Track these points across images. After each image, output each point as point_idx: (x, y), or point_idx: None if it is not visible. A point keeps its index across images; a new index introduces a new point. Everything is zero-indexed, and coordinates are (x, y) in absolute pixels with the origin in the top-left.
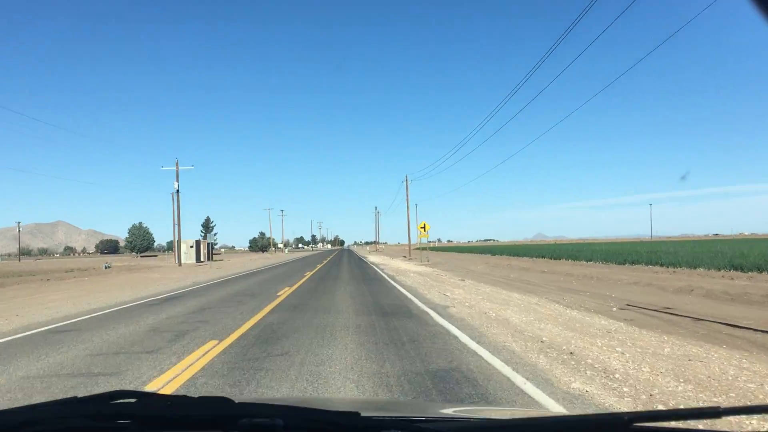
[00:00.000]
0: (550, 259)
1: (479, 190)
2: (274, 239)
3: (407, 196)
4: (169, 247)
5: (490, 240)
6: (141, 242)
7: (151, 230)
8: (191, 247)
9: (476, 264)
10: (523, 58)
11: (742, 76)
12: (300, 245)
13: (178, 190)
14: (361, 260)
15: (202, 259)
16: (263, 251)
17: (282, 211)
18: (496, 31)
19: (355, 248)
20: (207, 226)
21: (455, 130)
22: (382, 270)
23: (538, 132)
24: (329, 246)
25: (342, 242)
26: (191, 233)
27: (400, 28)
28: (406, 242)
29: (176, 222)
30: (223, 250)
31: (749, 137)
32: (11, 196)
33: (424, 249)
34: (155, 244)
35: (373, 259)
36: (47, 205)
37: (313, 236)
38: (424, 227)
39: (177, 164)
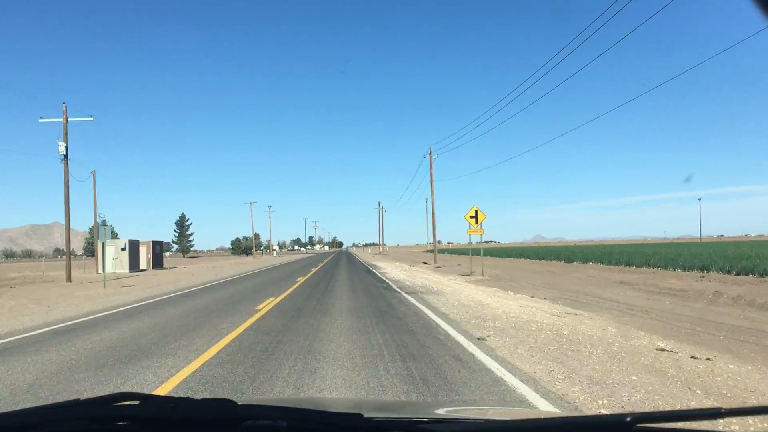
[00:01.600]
0: (651, 267)
1: (477, 191)
2: (266, 241)
3: (431, 175)
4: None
5: (491, 242)
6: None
7: (116, 229)
8: (123, 249)
9: (591, 282)
10: (525, 59)
11: (745, 75)
12: (296, 247)
13: (66, 155)
14: (369, 272)
15: (143, 266)
16: (247, 254)
17: (269, 207)
18: (497, 34)
19: (354, 251)
20: (182, 225)
21: (453, 129)
22: (485, 343)
23: (539, 132)
24: (326, 248)
25: (340, 244)
26: (167, 233)
27: (398, 30)
28: (409, 245)
29: (66, 207)
30: (213, 251)
31: (753, 137)
32: (9, 196)
33: (434, 252)
34: None
35: (387, 269)
36: (43, 206)
37: (310, 238)
38: (475, 217)
39: (65, 112)
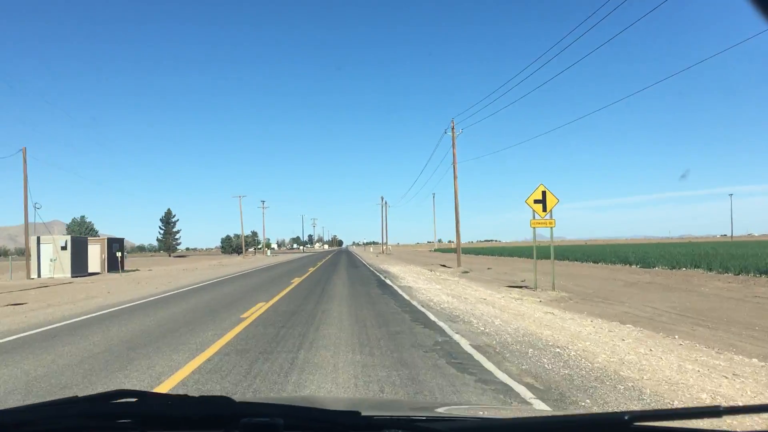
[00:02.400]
0: None
1: (478, 191)
2: (265, 238)
3: (454, 154)
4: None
5: (492, 240)
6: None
7: (96, 226)
8: (63, 248)
9: None
10: (526, 47)
11: (747, 75)
12: (295, 245)
13: None
14: (383, 285)
15: (95, 269)
16: (239, 253)
17: (263, 202)
18: (492, 33)
19: (355, 249)
20: (168, 222)
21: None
22: None
23: (539, 124)
24: (326, 246)
25: (340, 242)
26: (147, 232)
27: (398, 30)
28: (409, 243)
29: None
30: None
31: (756, 136)
32: (7, 194)
33: (458, 252)
34: None
35: (407, 278)
36: (43, 204)
37: (310, 236)
38: (542, 202)
39: None
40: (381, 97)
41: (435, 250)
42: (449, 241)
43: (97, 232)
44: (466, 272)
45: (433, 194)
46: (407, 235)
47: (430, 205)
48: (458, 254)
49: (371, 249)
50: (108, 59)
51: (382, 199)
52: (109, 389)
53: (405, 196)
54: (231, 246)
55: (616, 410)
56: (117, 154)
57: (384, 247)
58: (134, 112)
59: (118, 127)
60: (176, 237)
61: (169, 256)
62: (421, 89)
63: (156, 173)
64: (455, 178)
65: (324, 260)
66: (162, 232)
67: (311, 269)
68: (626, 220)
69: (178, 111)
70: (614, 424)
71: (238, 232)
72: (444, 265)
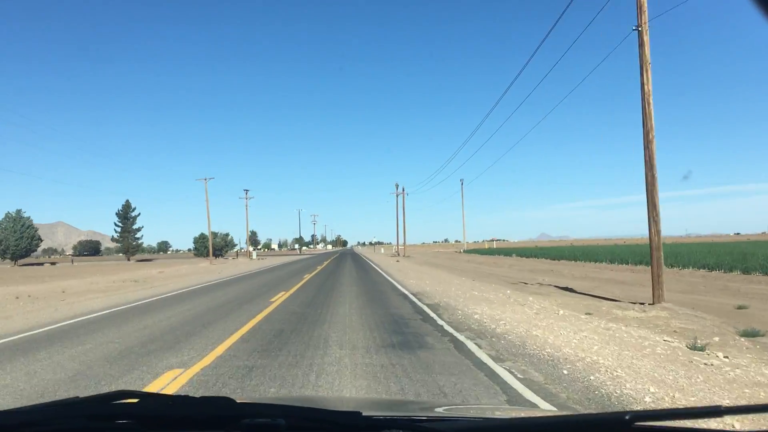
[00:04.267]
0: None
1: (481, 190)
2: (266, 239)
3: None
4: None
5: (498, 240)
6: (16, 242)
7: (33, 222)
8: None
9: None
10: (522, 56)
11: (749, 73)
12: (296, 246)
13: None
14: None
15: None
16: (216, 255)
17: (246, 191)
18: (496, 31)
19: (362, 251)
20: (126, 216)
21: (456, 131)
22: None
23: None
24: (329, 247)
25: (344, 242)
26: (105, 224)
27: (401, 28)
28: (414, 243)
29: None
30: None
31: (760, 133)
32: (9, 195)
33: (479, 251)
34: (40, 244)
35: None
36: (46, 206)
37: (313, 236)
38: None
39: None
40: (382, 93)
41: (465, 251)
42: (456, 241)
43: (36, 230)
44: (756, 335)
45: (461, 180)
46: (412, 235)
47: (435, 201)
48: (657, 266)
49: (382, 250)
50: (109, 59)
51: (398, 187)
52: None
53: (415, 188)
54: (206, 247)
55: (616, 410)
56: (104, 152)
57: (401, 249)
58: (132, 112)
59: (114, 125)
60: (137, 236)
61: (128, 259)
62: (423, 89)
63: (140, 170)
64: (645, 67)
65: (320, 268)
66: (119, 229)
67: (284, 294)
68: (629, 219)
69: (175, 109)
70: (614, 424)
71: (226, 231)
72: (572, 290)
